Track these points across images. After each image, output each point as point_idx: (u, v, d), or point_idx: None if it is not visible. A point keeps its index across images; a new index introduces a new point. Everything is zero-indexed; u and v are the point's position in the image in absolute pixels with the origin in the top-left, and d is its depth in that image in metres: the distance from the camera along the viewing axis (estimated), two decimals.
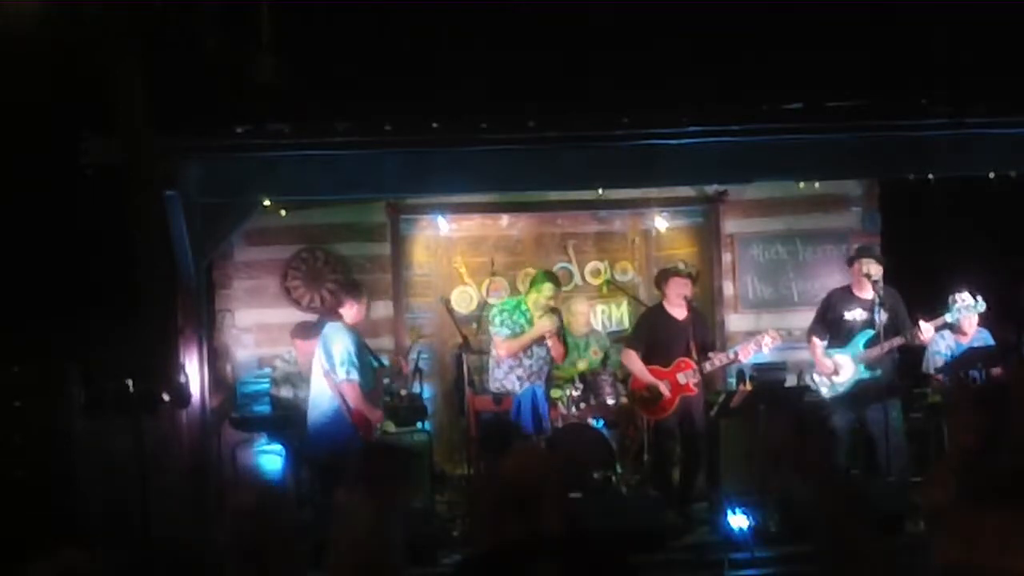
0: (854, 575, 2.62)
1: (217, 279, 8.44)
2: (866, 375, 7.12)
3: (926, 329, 7.07)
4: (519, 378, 7.46)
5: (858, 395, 7.14)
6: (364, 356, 7.20)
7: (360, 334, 7.27)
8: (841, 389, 7.18)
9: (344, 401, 7.06)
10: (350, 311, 7.21)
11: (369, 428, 7.10)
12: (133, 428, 6.25)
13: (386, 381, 7.74)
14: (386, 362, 7.74)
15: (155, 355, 6.83)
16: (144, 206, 6.79)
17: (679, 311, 7.32)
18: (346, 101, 7.26)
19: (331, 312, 7.34)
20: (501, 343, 7.44)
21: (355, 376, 7.02)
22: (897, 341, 7.07)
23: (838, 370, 7.18)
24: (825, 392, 7.24)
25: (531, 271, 8.05)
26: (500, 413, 7.32)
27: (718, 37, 8.21)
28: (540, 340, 7.47)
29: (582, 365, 8.01)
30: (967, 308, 7.25)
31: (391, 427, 7.56)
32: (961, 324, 7.58)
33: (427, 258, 8.86)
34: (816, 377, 7.30)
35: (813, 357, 7.31)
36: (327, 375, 7.11)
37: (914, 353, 7.56)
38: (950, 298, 7.30)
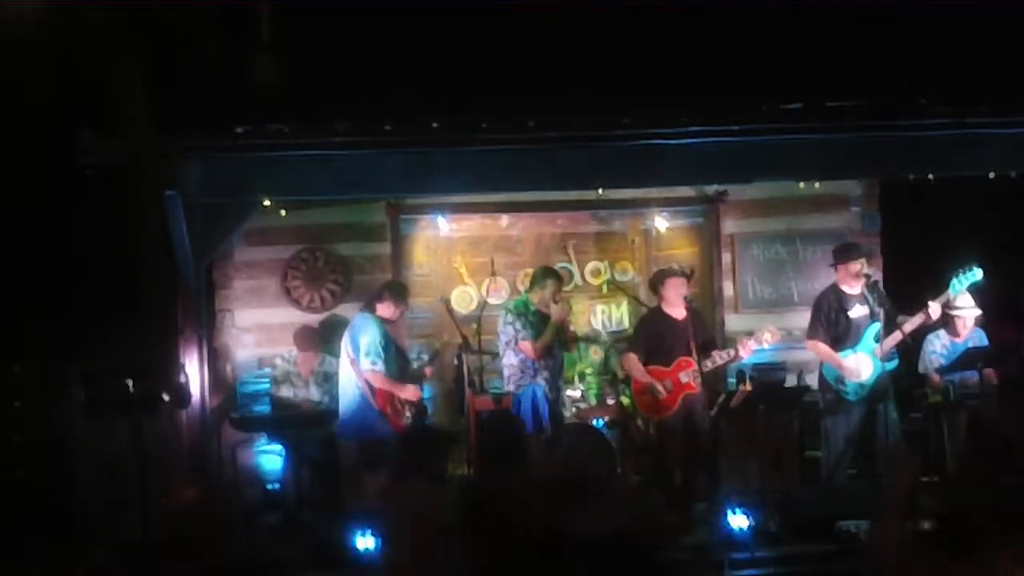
0: None
1: (217, 279, 8.44)
2: (883, 369, 7.06)
3: (934, 309, 7.02)
4: (545, 380, 7.43)
5: (878, 391, 7.09)
6: (390, 346, 7.33)
7: (388, 328, 7.39)
8: (866, 389, 7.12)
9: (369, 389, 7.19)
10: (386, 309, 7.38)
11: (397, 413, 7.19)
12: (133, 428, 6.25)
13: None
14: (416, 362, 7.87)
15: (155, 355, 6.85)
16: (144, 206, 6.80)
17: (678, 311, 7.33)
18: (346, 101, 7.26)
19: (368, 304, 7.49)
20: (530, 347, 7.38)
21: (380, 366, 7.18)
22: (916, 321, 7.00)
23: (860, 371, 7.12)
24: (853, 395, 7.15)
25: (531, 271, 8.05)
26: (502, 411, 7.30)
27: (718, 37, 8.21)
28: (559, 330, 7.45)
29: (582, 365, 8.01)
30: (968, 276, 7.10)
31: None
32: (956, 324, 7.57)
33: (427, 258, 8.85)
34: (841, 380, 7.20)
35: (831, 362, 7.18)
36: (353, 364, 7.25)
37: (911, 352, 7.54)
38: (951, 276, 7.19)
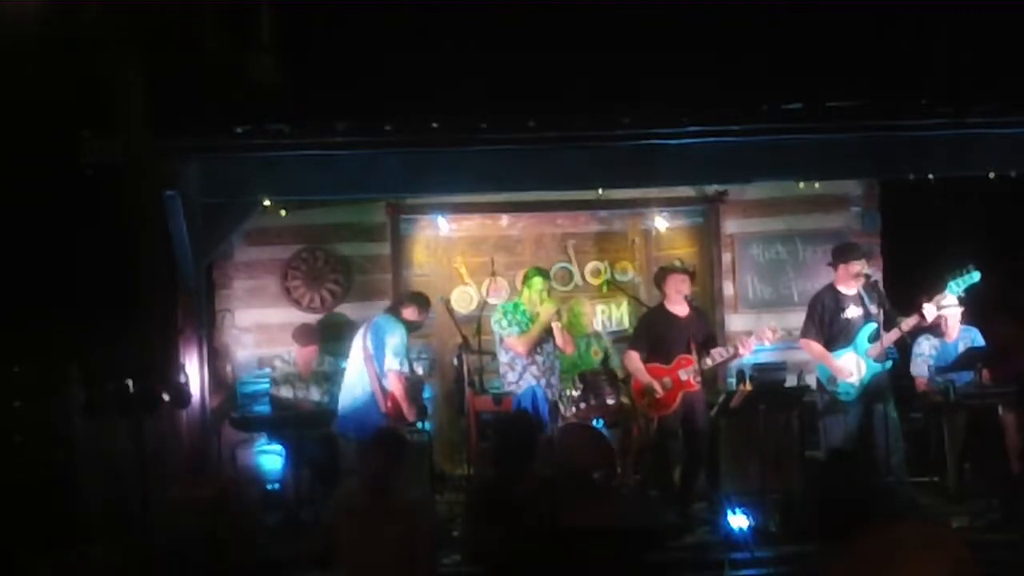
0: None
1: (217, 279, 8.46)
2: (877, 369, 7.08)
3: (929, 310, 7.02)
4: (534, 376, 7.49)
5: (872, 391, 7.10)
6: (409, 353, 7.49)
7: (410, 334, 7.56)
8: (860, 389, 7.13)
9: (381, 389, 7.30)
10: (412, 312, 7.58)
11: (399, 421, 7.27)
12: (133, 428, 6.24)
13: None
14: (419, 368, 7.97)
15: (155, 355, 6.83)
16: (144, 206, 6.79)
17: (680, 309, 7.35)
18: (346, 101, 7.25)
19: (392, 308, 7.70)
20: (516, 342, 7.49)
21: (406, 368, 7.32)
22: (911, 321, 7.00)
23: (852, 370, 7.12)
24: (846, 395, 7.16)
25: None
26: (519, 411, 7.28)
27: (718, 37, 8.20)
28: (548, 329, 7.53)
29: (582, 366, 8.01)
30: (966, 278, 7.08)
31: None
32: (944, 325, 7.57)
33: (427, 258, 8.87)
34: (838, 381, 7.19)
35: (825, 362, 7.21)
36: (368, 361, 7.36)
37: (902, 355, 7.53)
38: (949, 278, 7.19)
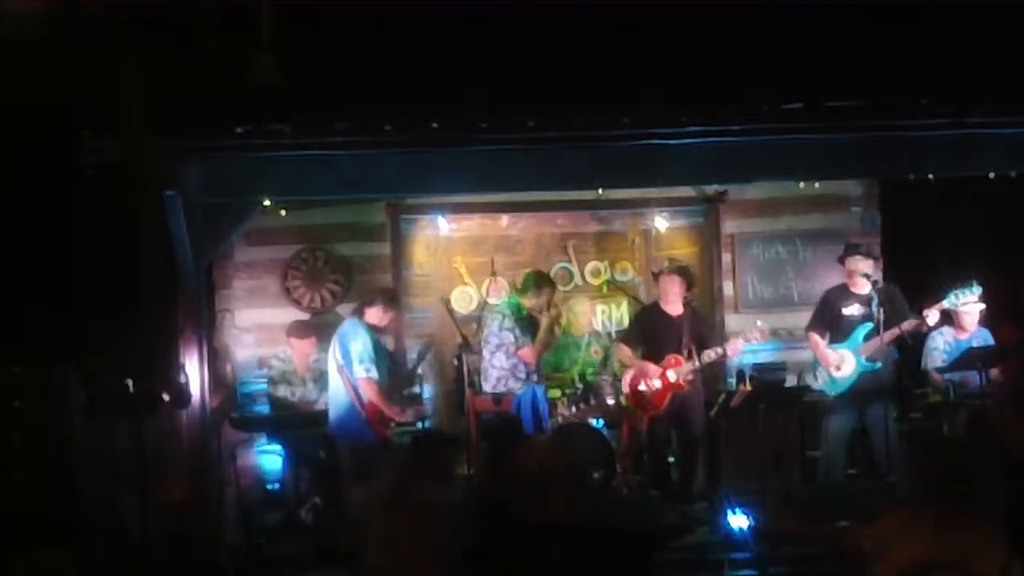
0: None
1: (217, 279, 8.45)
2: (867, 368, 7.15)
3: (930, 315, 7.05)
4: (522, 379, 7.51)
5: (859, 391, 7.16)
6: (381, 354, 7.38)
7: (378, 335, 7.46)
8: (844, 385, 7.19)
9: (358, 397, 7.23)
10: (375, 315, 7.42)
11: (384, 424, 7.22)
12: (133, 428, 6.24)
13: (416, 390, 8.00)
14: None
15: (155, 355, 6.82)
16: (144, 206, 6.78)
17: (674, 308, 7.39)
18: (346, 101, 7.25)
19: (358, 310, 7.56)
20: (529, 353, 7.50)
21: (374, 373, 7.20)
22: (903, 326, 7.02)
23: (840, 364, 7.22)
24: (829, 389, 7.25)
25: (530, 272, 8.06)
26: (504, 412, 7.35)
27: (718, 37, 8.19)
28: (551, 332, 7.58)
29: (582, 366, 8.02)
30: (966, 291, 7.13)
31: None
32: (962, 320, 7.58)
33: (427, 258, 8.87)
34: (819, 374, 7.32)
35: (816, 352, 7.36)
36: (341, 371, 7.28)
37: (913, 351, 7.55)
38: (949, 288, 7.24)
